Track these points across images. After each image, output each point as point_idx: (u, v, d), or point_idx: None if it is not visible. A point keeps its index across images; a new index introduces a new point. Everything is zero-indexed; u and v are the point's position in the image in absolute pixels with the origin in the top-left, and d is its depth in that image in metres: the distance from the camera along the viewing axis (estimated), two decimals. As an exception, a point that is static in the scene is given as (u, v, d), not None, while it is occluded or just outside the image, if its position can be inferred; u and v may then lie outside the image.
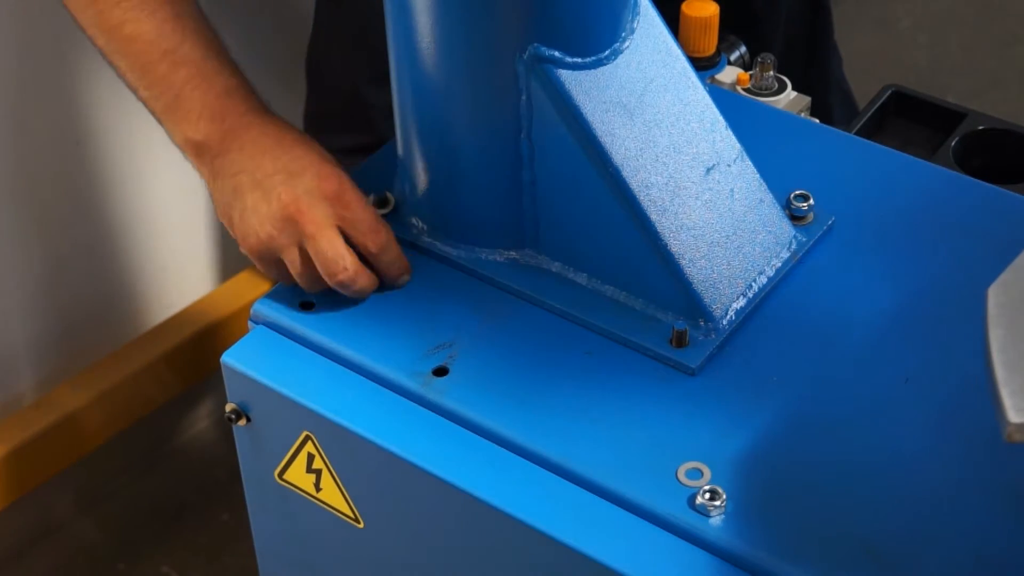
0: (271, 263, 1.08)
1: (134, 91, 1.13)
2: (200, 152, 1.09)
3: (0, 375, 1.85)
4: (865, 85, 1.74)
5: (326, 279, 1.06)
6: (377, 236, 1.06)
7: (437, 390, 1.03)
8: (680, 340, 1.03)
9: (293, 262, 1.06)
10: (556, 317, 1.07)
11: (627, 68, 1.03)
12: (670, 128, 1.04)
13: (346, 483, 1.05)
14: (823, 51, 1.74)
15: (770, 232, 1.08)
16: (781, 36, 1.67)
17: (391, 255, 1.08)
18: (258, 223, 1.06)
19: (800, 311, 1.07)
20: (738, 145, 1.08)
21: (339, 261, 1.05)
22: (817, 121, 1.25)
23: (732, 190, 1.07)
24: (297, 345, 1.08)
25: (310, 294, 1.09)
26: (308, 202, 1.05)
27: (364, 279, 1.06)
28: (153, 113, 1.12)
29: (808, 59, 1.71)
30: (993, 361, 0.82)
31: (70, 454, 1.90)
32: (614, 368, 1.03)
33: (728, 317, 1.05)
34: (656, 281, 1.04)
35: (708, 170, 1.06)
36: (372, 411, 1.03)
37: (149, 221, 1.90)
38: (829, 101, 1.73)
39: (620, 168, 1.02)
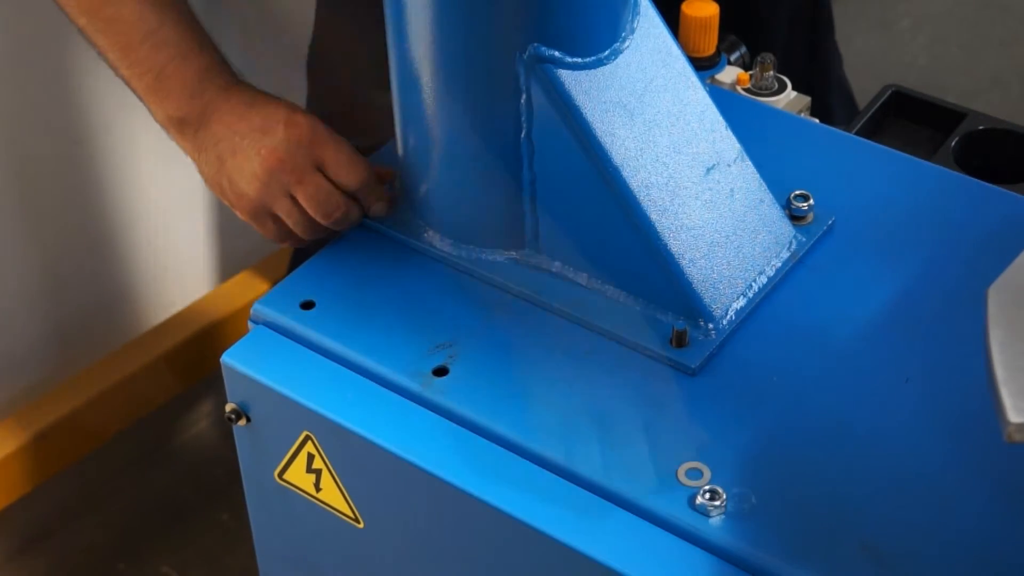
0: (267, 220, 1.12)
1: (115, 69, 1.15)
2: (182, 128, 1.13)
3: (0, 375, 1.85)
4: (865, 85, 1.74)
5: (321, 220, 1.10)
6: (355, 171, 1.10)
7: (437, 390, 1.03)
8: (680, 340, 1.03)
9: (288, 212, 1.10)
10: (556, 317, 1.07)
11: (627, 68, 1.03)
12: (670, 128, 1.05)
13: (346, 483, 1.05)
14: (823, 51, 1.74)
15: (770, 232, 1.08)
16: (782, 36, 1.67)
17: (368, 187, 1.11)
18: (245, 184, 1.09)
19: (800, 311, 1.07)
20: (738, 145, 1.08)
21: (330, 201, 1.09)
22: (817, 121, 1.25)
23: (732, 190, 1.07)
24: (297, 345, 1.08)
25: (310, 291, 1.09)
26: (285, 151, 1.08)
27: (355, 211, 1.11)
28: (135, 92, 1.15)
29: (809, 59, 1.71)
30: (993, 361, 0.82)
31: (70, 454, 1.90)
32: (614, 368, 1.03)
33: (728, 317, 1.05)
34: (656, 281, 1.04)
35: (708, 170, 1.06)
36: (372, 411, 1.03)
37: (149, 221, 1.90)
38: (829, 101, 1.73)
39: (620, 168, 1.02)
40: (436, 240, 1.12)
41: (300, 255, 1.76)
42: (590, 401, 1.01)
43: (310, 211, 1.10)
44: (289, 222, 1.11)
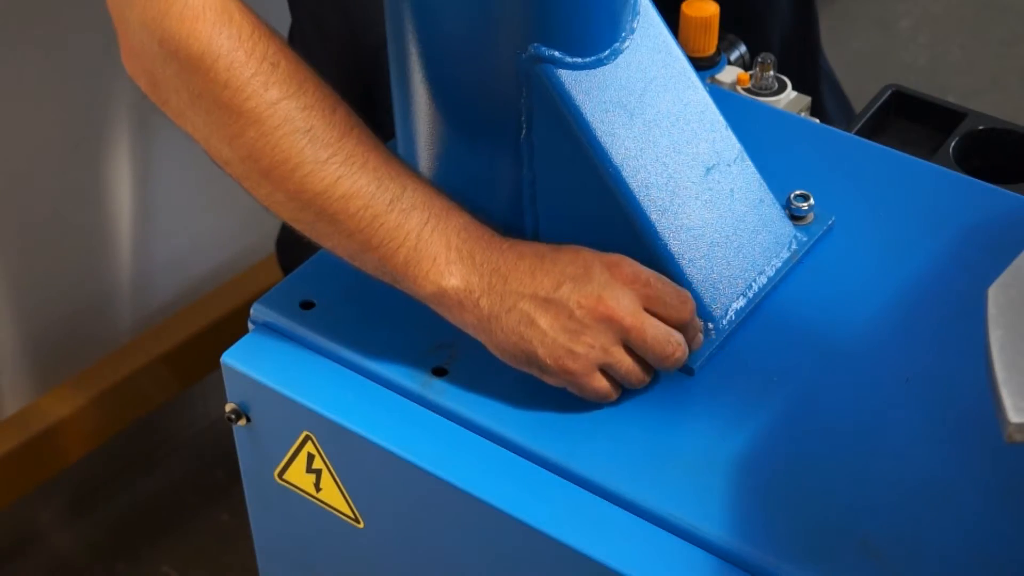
0: (594, 376, 0.99)
1: (352, 257, 1.03)
2: (462, 297, 1.00)
3: (0, 375, 1.85)
4: (865, 85, 1.74)
5: (659, 362, 1.00)
6: (686, 303, 1.01)
7: (437, 390, 1.03)
8: (680, 340, 1.03)
9: (621, 361, 0.99)
10: (556, 317, 1.07)
11: (627, 68, 1.03)
12: (670, 128, 1.04)
13: (346, 483, 1.05)
14: (815, 51, 1.74)
15: (770, 232, 1.08)
16: (777, 36, 1.67)
17: (696, 318, 1.02)
18: (569, 339, 0.98)
19: (800, 311, 1.07)
20: (738, 145, 1.08)
21: (670, 339, 0.99)
22: (817, 121, 1.25)
23: (732, 190, 1.07)
24: (297, 345, 1.08)
25: (310, 291, 1.09)
26: (611, 295, 0.98)
27: (685, 348, 1.01)
28: (386, 272, 1.02)
29: (802, 59, 1.72)
30: (993, 361, 0.82)
31: (70, 454, 1.90)
32: (614, 368, 1.03)
33: (728, 317, 1.05)
34: (656, 281, 1.04)
35: (708, 170, 1.06)
36: (372, 411, 1.03)
37: (149, 221, 1.90)
38: (824, 103, 1.74)
39: (620, 168, 1.02)
40: (436, 240, 1.12)
41: (290, 257, 1.75)
42: (589, 401, 1.01)
43: (647, 354, 0.99)
44: (621, 370, 0.99)
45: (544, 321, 0.98)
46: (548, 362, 0.98)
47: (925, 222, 1.13)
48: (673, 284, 1.01)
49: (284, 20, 1.57)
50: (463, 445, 1.00)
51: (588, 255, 1.00)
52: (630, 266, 1.00)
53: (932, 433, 0.98)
